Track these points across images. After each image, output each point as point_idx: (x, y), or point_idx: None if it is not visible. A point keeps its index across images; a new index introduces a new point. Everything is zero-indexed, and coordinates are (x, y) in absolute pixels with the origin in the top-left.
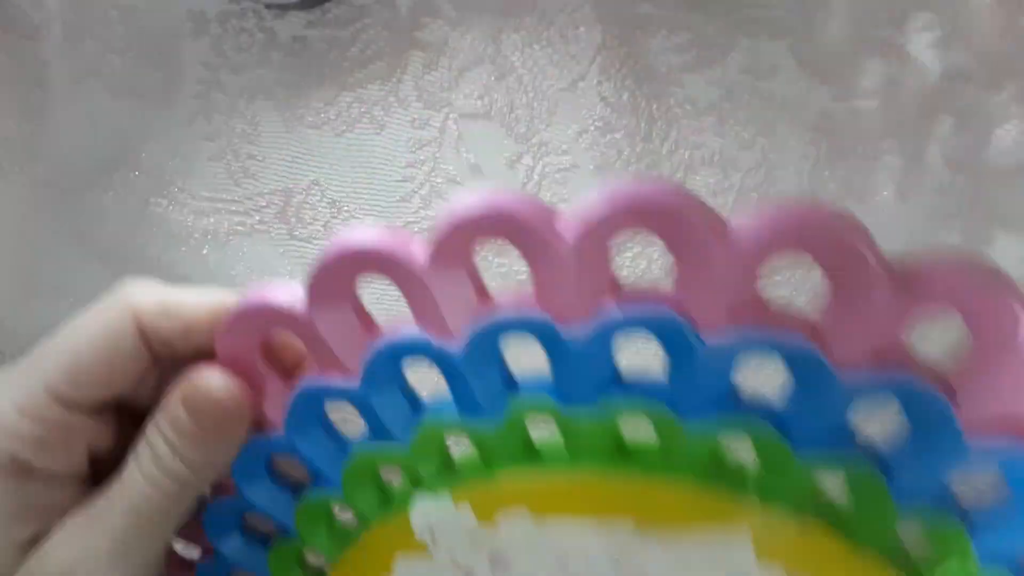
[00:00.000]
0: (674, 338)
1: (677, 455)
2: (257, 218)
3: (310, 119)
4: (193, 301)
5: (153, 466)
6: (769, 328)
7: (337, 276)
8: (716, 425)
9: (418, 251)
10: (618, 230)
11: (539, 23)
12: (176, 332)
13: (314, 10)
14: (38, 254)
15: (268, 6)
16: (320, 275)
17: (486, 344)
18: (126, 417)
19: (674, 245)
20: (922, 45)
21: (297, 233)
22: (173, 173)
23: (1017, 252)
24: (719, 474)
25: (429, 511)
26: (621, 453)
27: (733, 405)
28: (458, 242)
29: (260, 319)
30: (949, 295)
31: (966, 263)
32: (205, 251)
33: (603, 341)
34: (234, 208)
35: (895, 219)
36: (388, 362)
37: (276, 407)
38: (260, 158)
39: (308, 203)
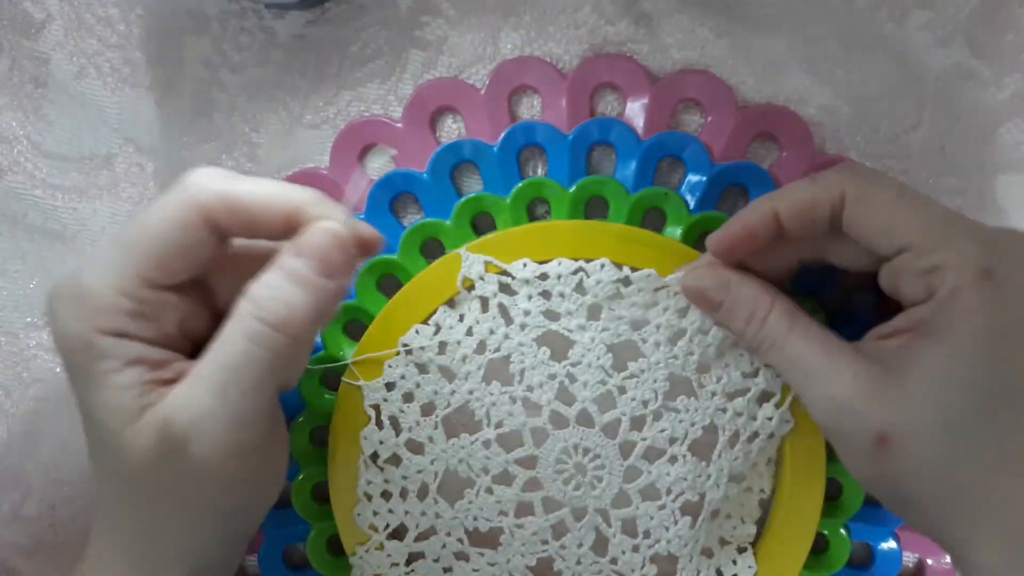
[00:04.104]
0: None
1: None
2: None
3: (309, 118)
4: (261, 201)
5: (251, 315)
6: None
7: (425, 105)
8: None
9: (478, 95)
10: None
11: (539, 23)
12: (242, 226)
13: (314, 9)
14: (37, 251)
15: (268, 6)
16: (416, 101)
17: (512, 139)
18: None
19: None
20: (923, 44)
21: None
22: (173, 171)
23: None
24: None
25: (473, 263)
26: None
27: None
28: (502, 87)
29: (364, 129)
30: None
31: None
32: None
33: (583, 143)
34: None
35: None
36: (445, 157)
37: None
38: (260, 157)
39: None
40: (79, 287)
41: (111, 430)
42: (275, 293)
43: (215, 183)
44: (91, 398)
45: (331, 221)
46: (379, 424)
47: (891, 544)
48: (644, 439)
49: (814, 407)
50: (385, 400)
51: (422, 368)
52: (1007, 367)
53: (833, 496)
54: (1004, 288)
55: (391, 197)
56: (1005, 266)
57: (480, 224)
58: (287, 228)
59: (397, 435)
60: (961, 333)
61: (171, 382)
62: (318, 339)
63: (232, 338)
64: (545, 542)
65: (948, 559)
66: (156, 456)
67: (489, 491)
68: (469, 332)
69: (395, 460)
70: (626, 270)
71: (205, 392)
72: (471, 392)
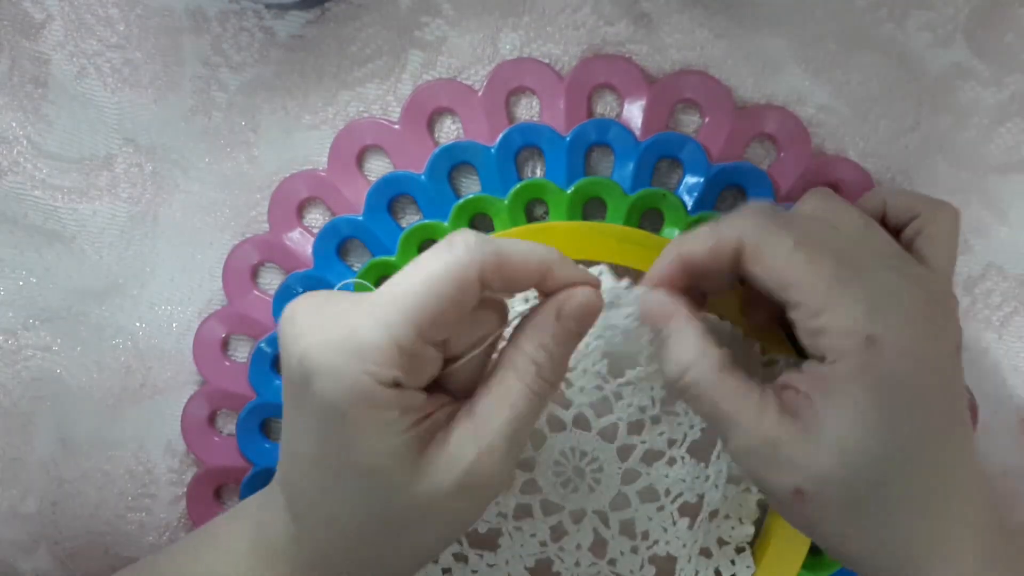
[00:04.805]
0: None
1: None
2: (254, 215)
3: (308, 118)
4: (522, 260)
5: (534, 373)
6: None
7: (423, 106)
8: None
9: (476, 96)
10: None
11: (538, 23)
12: (502, 284)
13: (313, 9)
14: (37, 250)
15: (268, 6)
16: (414, 102)
17: (510, 140)
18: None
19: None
20: (923, 44)
21: None
22: (172, 171)
23: (1017, 248)
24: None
25: None
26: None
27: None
28: (500, 88)
29: (362, 130)
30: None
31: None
32: (205, 248)
33: (581, 144)
34: (234, 206)
35: None
36: (443, 158)
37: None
38: (259, 156)
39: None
40: (357, 341)
41: (390, 468)
42: (549, 351)
43: (487, 244)
44: (367, 445)
45: (587, 288)
46: None
47: None
48: (643, 442)
49: (735, 457)
50: None
51: None
52: (898, 424)
53: None
54: (886, 353)
55: (389, 198)
56: (887, 329)
57: (478, 225)
58: (537, 284)
59: None
60: (851, 396)
61: (429, 417)
62: None
63: (519, 391)
64: (544, 544)
65: None
66: (455, 490)
67: None
68: None
69: None
70: (625, 281)
71: (502, 441)
72: None
